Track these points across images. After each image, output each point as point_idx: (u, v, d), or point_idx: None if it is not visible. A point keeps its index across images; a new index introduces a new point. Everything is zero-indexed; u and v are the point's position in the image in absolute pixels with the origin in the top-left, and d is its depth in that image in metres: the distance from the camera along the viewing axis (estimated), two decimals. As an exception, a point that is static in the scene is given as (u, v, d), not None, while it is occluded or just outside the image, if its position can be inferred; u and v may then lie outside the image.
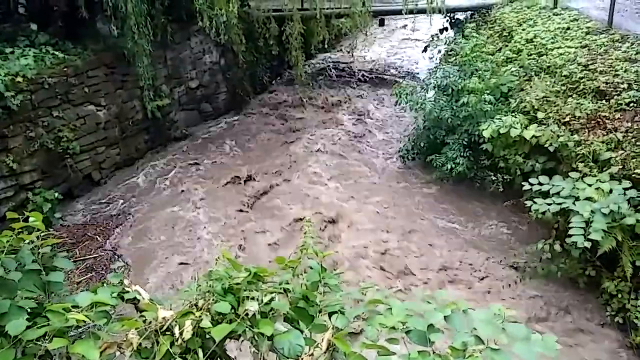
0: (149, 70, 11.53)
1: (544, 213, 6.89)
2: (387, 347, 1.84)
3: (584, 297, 7.06)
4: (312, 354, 1.87)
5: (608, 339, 6.41)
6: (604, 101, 7.89)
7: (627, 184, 6.54)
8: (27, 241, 2.23)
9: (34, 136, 9.27)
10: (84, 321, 1.85)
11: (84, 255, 8.56)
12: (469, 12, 15.55)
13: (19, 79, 8.94)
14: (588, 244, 6.02)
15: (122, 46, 11.08)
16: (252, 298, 1.99)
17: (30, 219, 2.26)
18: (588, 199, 6.57)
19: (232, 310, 1.93)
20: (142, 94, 11.91)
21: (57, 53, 10.00)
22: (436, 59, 14.60)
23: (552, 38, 10.24)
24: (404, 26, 23.21)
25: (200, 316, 1.89)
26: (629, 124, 7.25)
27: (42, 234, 2.27)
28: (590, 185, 6.77)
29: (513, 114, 8.67)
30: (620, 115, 7.49)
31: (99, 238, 9.07)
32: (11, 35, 9.84)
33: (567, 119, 7.92)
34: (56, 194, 9.43)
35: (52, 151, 9.62)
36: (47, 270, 2.21)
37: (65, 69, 9.97)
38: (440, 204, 9.75)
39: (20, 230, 2.21)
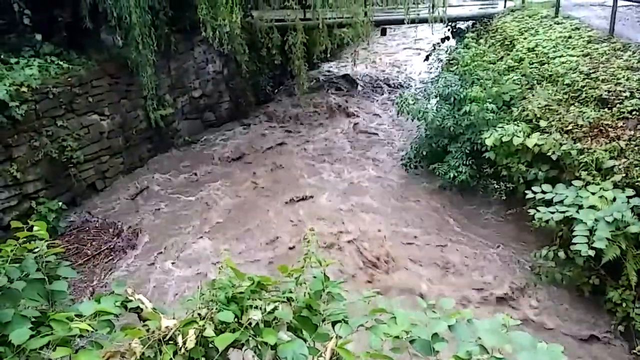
0: (152, 80, 11.60)
1: (547, 221, 6.87)
2: (391, 356, 1.84)
3: (588, 305, 7.02)
4: (315, 364, 1.86)
5: (612, 348, 6.36)
6: (606, 109, 7.88)
7: (630, 192, 6.52)
8: (31, 250, 2.23)
9: (38, 145, 9.31)
10: (87, 330, 1.85)
11: (97, 250, 9.05)
12: (471, 22, 15.61)
13: (24, 88, 9.00)
14: (592, 253, 6.00)
15: (126, 56, 11.17)
16: (256, 307, 1.99)
17: (35, 228, 2.27)
18: (591, 207, 6.55)
19: (236, 319, 1.93)
20: (146, 104, 11.98)
21: (61, 63, 10.07)
22: (438, 67, 14.64)
23: (554, 47, 10.26)
24: (405, 35, 23.32)
25: (203, 325, 1.88)
26: (632, 132, 7.24)
27: (47, 243, 2.27)
28: (593, 194, 6.75)
29: (515, 122, 8.67)
30: (623, 124, 7.48)
31: (104, 236, 9.44)
32: (16, 45, 9.92)
33: (570, 127, 7.91)
34: (60, 203, 9.45)
35: (56, 160, 9.66)
36: (51, 279, 2.22)
37: (69, 79, 10.03)
38: (443, 212, 9.73)
39: (24, 239, 2.22)
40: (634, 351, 6.15)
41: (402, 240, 8.91)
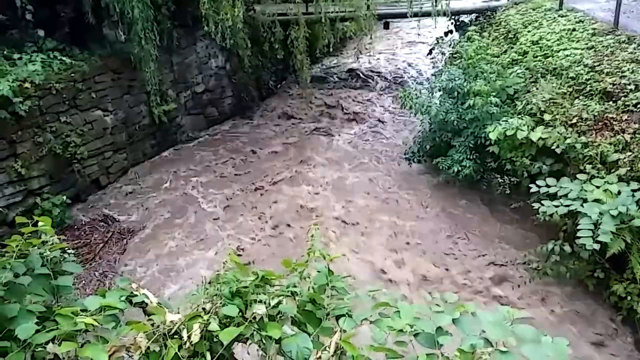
0: (155, 75, 11.59)
1: (551, 215, 6.86)
2: (395, 350, 1.84)
3: (592, 298, 7.02)
4: (319, 357, 1.86)
5: (617, 342, 6.36)
6: (611, 102, 7.84)
7: (635, 185, 6.50)
8: (38, 244, 2.24)
9: (42, 141, 9.33)
10: (93, 325, 1.86)
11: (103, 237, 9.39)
12: (474, 15, 15.51)
13: (27, 84, 9.01)
14: (597, 246, 5.98)
15: (129, 51, 11.16)
16: (260, 301, 1.99)
17: (40, 223, 2.28)
18: (596, 200, 6.53)
19: (240, 314, 1.94)
20: (149, 99, 11.98)
21: (64, 59, 10.07)
22: (441, 61, 14.57)
23: (558, 40, 10.18)
24: (408, 29, 23.19)
25: (208, 319, 1.89)
26: (637, 125, 7.20)
27: (56, 237, 2.29)
28: (598, 187, 6.73)
29: (519, 116, 8.63)
30: (628, 117, 7.44)
31: (102, 226, 9.76)
32: (19, 41, 9.93)
33: (574, 120, 7.87)
34: (64, 197, 9.51)
35: (60, 156, 9.68)
36: (56, 275, 2.23)
37: (72, 75, 10.04)
38: (446, 207, 9.72)
39: (29, 234, 2.23)
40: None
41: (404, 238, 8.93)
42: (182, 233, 9.50)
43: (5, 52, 9.44)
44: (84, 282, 8.12)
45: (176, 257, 8.80)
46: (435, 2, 13.53)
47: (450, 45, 14.56)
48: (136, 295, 2.15)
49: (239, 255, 8.36)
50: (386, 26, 18.97)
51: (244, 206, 10.29)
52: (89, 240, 9.21)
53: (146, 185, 11.36)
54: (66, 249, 2.40)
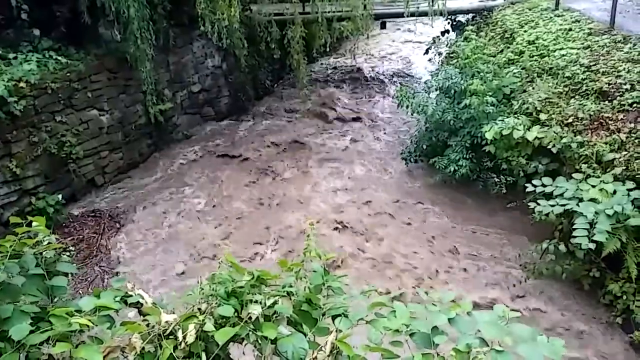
0: (151, 75, 11.55)
1: (547, 214, 6.87)
2: (391, 349, 1.84)
3: (588, 297, 7.04)
4: (315, 357, 1.86)
5: (613, 341, 6.38)
6: (606, 102, 7.86)
7: (630, 184, 6.52)
8: (31, 245, 2.23)
9: (37, 141, 9.29)
10: (88, 325, 1.85)
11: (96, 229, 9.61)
12: (471, 15, 15.54)
13: (22, 84, 8.96)
14: (592, 245, 6.00)
15: (125, 51, 11.11)
16: (256, 301, 1.98)
17: (34, 223, 2.26)
18: (592, 200, 6.55)
19: (236, 314, 1.93)
20: (145, 99, 11.94)
21: (60, 58, 10.02)
22: (437, 61, 14.59)
23: (554, 39, 10.21)
24: (405, 29, 23.22)
25: (203, 320, 1.88)
26: (632, 125, 7.23)
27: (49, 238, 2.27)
28: (593, 187, 6.75)
29: (515, 115, 8.66)
30: (623, 116, 7.47)
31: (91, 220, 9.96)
32: (14, 40, 9.87)
33: (570, 120, 7.90)
34: (60, 197, 9.48)
35: (56, 156, 9.64)
36: (50, 275, 2.21)
37: (68, 74, 9.99)
38: (442, 206, 9.73)
39: (23, 234, 2.21)
40: (630, 335, 6.20)
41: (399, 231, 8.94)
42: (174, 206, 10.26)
43: (0, 52, 9.40)
44: (89, 278, 8.19)
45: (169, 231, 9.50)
46: (432, 2, 13.54)
47: (447, 44, 14.58)
48: (131, 296, 2.15)
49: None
50: (383, 26, 18.98)
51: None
52: (82, 236, 9.21)
53: (140, 177, 11.64)
54: (65, 248, 2.39)
